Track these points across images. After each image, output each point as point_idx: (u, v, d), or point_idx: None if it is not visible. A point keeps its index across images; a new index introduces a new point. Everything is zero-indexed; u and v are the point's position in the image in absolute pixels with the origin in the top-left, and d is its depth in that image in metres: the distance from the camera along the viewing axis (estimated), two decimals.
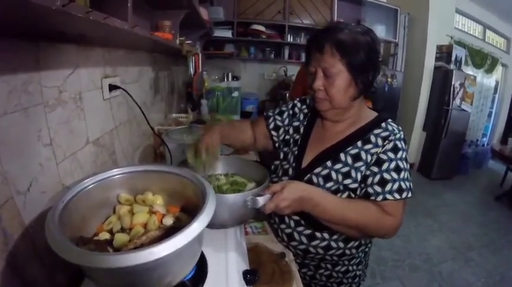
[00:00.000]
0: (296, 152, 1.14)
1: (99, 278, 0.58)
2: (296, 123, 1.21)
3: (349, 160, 1.01)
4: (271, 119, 1.26)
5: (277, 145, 1.25)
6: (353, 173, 1.00)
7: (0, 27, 0.57)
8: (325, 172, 1.03)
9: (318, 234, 1.07)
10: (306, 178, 1.05)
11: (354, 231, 0.97)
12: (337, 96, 0.99)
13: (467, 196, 4.46)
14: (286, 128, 1.23)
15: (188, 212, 0.75)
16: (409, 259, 2.90)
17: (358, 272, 1.20)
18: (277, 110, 1.28)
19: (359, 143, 1.02)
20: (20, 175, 0.69)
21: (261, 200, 0.84)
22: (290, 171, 1.13)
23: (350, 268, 1.16)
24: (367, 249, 1.20)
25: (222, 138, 1.12)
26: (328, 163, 1.04)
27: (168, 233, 0.59)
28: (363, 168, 0.99)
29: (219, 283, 0.73)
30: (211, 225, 0.61)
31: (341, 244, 1.07)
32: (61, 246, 0.50)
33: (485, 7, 5.28)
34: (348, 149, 1.03)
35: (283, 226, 1.13)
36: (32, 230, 0.71)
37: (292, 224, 1.10)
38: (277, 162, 1.22)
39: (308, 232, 1.08)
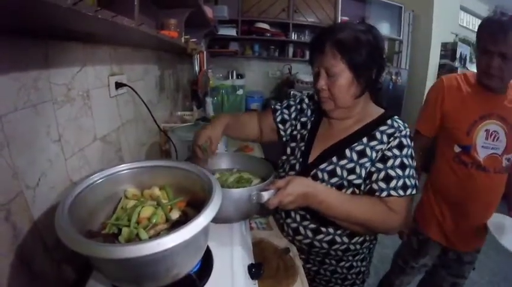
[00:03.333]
0: (303, 148, 1.15)
1: (108, 270, 0.60)
2: (304, 119, 1.22)
3: (354, 156, 1.03)
4: (279, 112, 1.26)
5: (284, 139, 1.26)
6: (357, 169, 1.01)
7: (11, 25, 0.58)
8: (330, 167, 1.05)
9: (323, 228, 1.08)
10: (311, 173, 1.07)
11: (358, 227, 0.99)
12: (340, 96, 1.01)
13: None
14: (293, 122, 1.24)
15: (194, 206, 0.76)
16: None
17: (362, 269, 1.20)
18: (285, 104, 1.28)
19: (364, 140, 1.04)
20: (30, 170, 0.70)
21: (265, 195, 0.85)
22: (297, 166, 1.14)
23: (354, 263, 1.17)
24: (371, 246, 1.21)
25: (228, 131, 1.18)
26: (334, 159, 1.05)
27: (175, 226, 0.61)
28: (367, 164, 1.01)
29: (225, 276, 0.74)
30: (216, 219, 0.62)
31: (345, 239, 1.09)
32: (72, 238, 0.52)
33: (490, 4, 5.22)
34: (354, 145, 1.04)
35: (289, 221, 1.15)
36: (40, 224, 0.73)
37: (298, 218, 1.12)
38: (284, 157, 1.22)
39: (313, 226, 1.09)
